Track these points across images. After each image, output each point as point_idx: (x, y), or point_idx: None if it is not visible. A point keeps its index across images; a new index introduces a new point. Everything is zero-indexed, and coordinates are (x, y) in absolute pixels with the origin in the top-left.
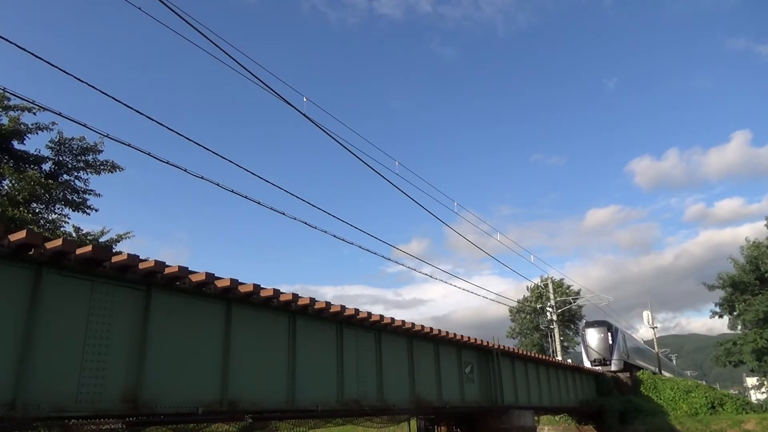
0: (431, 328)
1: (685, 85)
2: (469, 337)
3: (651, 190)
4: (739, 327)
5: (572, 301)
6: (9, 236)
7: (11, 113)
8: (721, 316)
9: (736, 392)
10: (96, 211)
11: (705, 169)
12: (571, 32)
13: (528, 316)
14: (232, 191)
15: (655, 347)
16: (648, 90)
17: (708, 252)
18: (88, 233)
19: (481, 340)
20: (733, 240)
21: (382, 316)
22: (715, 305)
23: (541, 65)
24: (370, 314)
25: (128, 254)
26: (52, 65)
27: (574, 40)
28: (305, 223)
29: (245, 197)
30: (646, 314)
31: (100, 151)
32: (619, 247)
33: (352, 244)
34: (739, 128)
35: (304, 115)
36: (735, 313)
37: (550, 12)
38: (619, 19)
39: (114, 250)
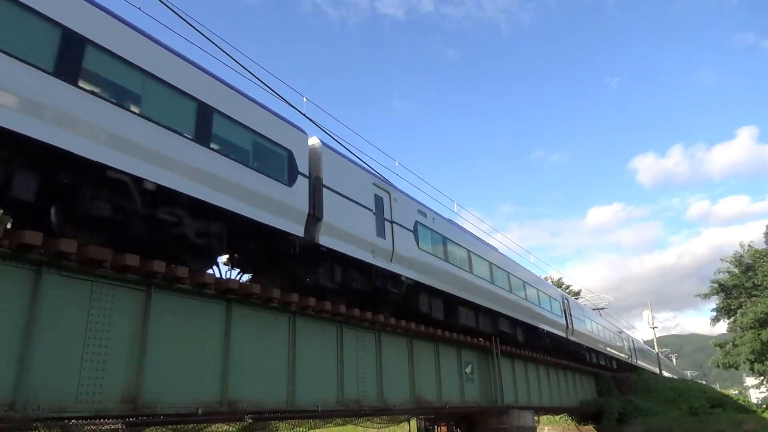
0: (431, 328)
1: (689, 81)
2: (469, 337)
3: (654, 188)
4: (737, 330)
5: None
6: (9, 236)
7: None
8: (718, 320)
9: (736, 392)
10: None
11: (709, 166)
12: (573, 30)
13: None
14: None
15: (655, 347)
16: (652, 86)
17: (711, 251)
18: None
19: (481, 340)
20: (737, 239)
21: (382, 316)
22: (712, 311)
23: (543, 64)
24: (370, 314)
25: (128, 254)
26: None
27: (577, 38)
28: None
29: None
30: (646, 314)
31: None
32: (621, 246)
33: None
34: (745, 124)
35: (304, 115)
36: (732, 318)
37: (552, 11)
38: (622, 17)
39: (114, 251)
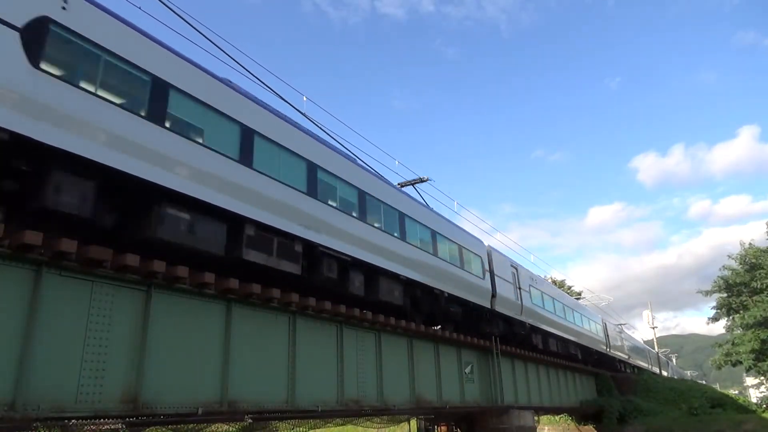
0: (431, 328)
1: (689, 81)
2: (469, 337)
3: (654, 188)
4: (736, 330)
5: None
6: (9, 236)
7: None
8: (717, 320)
9: (736, 392)
10: None
11: (710, 165)
12: (574, 30)
13: None
14: None
15: (655, 347)
16: (652, 86)
17: (712, 251)
18: None
19: (481, 340)
20: (738, 239)
21: (382, 316)
22: (712, 308)
23: (543, 63)
24: (370, 314)
25: (128, 254)
26: None
27: (578, 38)
28: None
29: None
30: (646, 314)
31: None
32: (622, 245)
33: None
34: (746, 123)
35: (304, 114)
36: (732, 317)
37: (552, 11)
38: (623, 16)
39: (114, 251)
